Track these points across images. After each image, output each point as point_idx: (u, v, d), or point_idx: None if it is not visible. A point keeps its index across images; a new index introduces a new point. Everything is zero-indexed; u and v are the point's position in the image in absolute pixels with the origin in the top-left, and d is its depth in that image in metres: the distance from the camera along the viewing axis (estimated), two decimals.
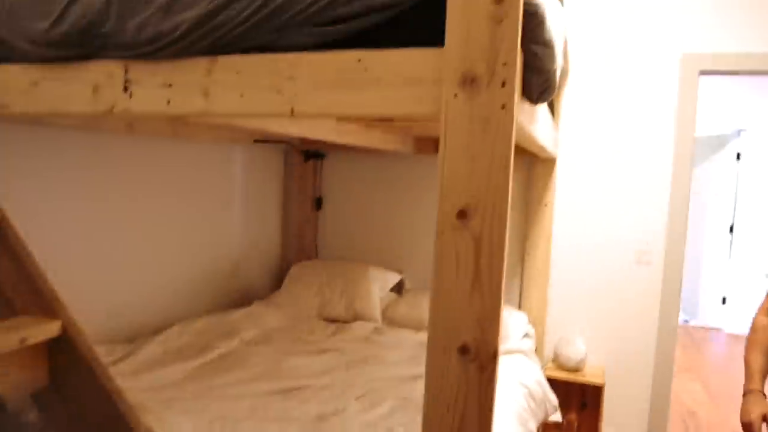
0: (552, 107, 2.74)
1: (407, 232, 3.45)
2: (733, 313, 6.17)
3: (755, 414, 1.59)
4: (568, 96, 3.06)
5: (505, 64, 0.95)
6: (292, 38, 1.14)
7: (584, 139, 3.06)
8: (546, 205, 3.02)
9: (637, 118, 2.97)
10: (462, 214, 0.98)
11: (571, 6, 3.04)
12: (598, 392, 2.98)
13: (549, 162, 3.02)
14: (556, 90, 1.12)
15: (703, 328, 6.30)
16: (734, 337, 5.96)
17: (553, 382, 2.95)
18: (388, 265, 3.48)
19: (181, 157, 2.78)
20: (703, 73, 2.86)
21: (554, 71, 1.06)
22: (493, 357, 1.00)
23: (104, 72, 1.34)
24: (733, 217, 6.19)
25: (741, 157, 6.10)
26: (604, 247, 3.06)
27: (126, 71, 1.32)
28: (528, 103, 1.10)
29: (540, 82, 1.05)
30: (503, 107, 0.95)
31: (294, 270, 3.30)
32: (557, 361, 3.02)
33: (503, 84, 0.95)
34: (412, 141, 2.92)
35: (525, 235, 3.16)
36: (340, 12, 1.08)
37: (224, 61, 1.21)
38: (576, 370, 2.98)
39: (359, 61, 1.08)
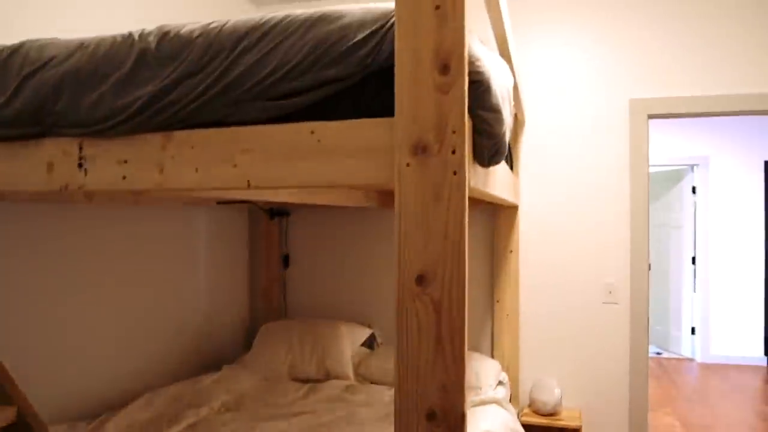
0: (511, 156, 2.81)
1: (375, 285, 3.44)
2: (703, 342, 6.26)
3: None
4: (526, 143, 3.14)
5: (454, 131, 0.98)
6: (246, 113, 1.16)
7: (545, 184, 3.13)
8: (511, 252, 3.06)
9: (593, 161, 3.07)
10: (420, 280, 0.99)
11: (525, 58, 3.16)
12: None
13: (511, 209, 3.08)
14: (506, 151, 1.15)
15: (675, 359, 6.36)
16: (706, 367, 6.03)
17: (530, 429, 2.93)
18: (359, 320, 3.45)
19: (143, 221, 2.75)
20: (652, 116, 2.98)
21: (503, 134, 1.10)
22: (461, 420, 0.99)
23: (58, 149, 1.34)
24: (694, 248, 6.35)
25: (696, 190, 6.30)
26: (572, 288, 3.10)
27: (81, 148, 1.32)
28: (480, 166, 1.13)
29: (490, 146, 1.08)
30: (455, 173, 0.97)
31: (263, 330, 3.25)
32: (533, 407, 3.01)
33: (453, 151, 0.97)
34: (375, 195, 2.94)
35: (493, 282, 3.18)
36: (293, 85, 1.11)
37: (179, 136, 1.22)
38: (552, 414, 2.97)
39: (312, 132, 1.10)
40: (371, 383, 2.95)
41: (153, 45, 1.24)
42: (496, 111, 1.06)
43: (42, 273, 2.24)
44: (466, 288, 0.98)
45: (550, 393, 2.97)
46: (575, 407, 3.12)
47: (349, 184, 1.08)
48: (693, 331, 6.34)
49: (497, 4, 1.29)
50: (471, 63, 1.03)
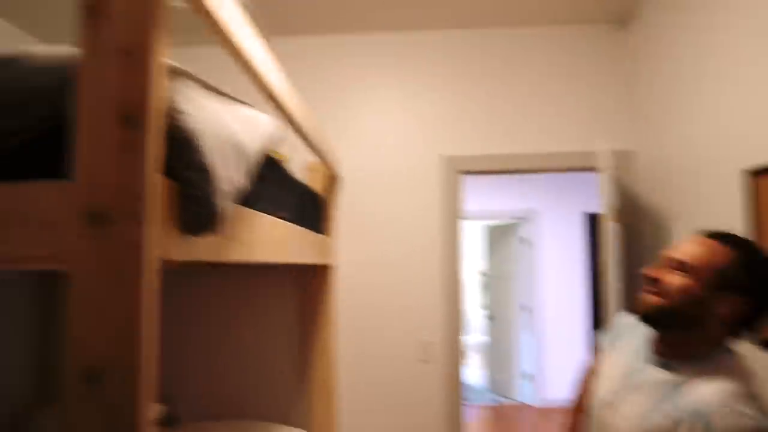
0: (321, 214, 2.71)
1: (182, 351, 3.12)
2: (540, 388, 6.51)
3: None
4: (343, 201, 3.07)
5: (136, 198, 0.82)
6: None
7: (362, 243, 3.06)
8: (325, 314, 2.91)
9: (409, 217, 3.05)
10: (90, 378, 0.80)
11: (344, 117, 3.12)
12: None
13: (323, 270, 2.93)
14: (224, 217, 1.02)
15: (515, 406, 6.54)
16: (542, 412, 6.25)
17: None
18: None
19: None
20: (463, 172, 3.05)
21: (213, 197, 0.96)
22: None
23: None
24: (531, 297, 6.67)
25: (526, 242, 6.68)
26: (389, 350, 3.02)
27: None
28: (189, 234, 0.98)
29: (198, 212, 0.94)
30: (136, 248, 0.82)
31: None
32: None
33: (136, 221, 0.82)
34: None
35: (306, 349, 2.98)
36: None
37: None
38: None
39: None
40: None
41: None
42: (202, 170, 0.93)
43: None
44: (151, 392, 0.81)
45: None
46: None
47: (24, 261, 0.88)
48: (531, 378, 6.59)
49: (252, 61, 1.18)
50: (172, 117, 0.90)
